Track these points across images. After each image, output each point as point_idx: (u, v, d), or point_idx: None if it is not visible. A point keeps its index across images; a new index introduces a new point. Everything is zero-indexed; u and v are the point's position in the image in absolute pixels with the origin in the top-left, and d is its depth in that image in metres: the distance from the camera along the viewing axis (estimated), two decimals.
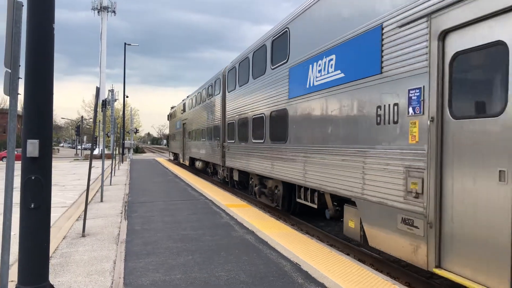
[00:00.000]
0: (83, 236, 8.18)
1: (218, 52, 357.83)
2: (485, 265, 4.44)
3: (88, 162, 8.98)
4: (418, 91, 5.36)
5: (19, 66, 4.01)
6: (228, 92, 16.11)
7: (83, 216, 8.68)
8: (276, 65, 10.58)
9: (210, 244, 7.41)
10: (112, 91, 34.29)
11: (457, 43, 4.85)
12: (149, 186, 17.04)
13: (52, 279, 5.41)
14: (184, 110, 30.33)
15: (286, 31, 9.99)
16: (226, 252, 6.88)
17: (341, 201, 7.77)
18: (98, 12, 57.32)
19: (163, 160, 42.07)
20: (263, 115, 11.64)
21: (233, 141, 15.09)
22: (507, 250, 4.17)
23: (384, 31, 6.09)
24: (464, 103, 4.90)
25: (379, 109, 6.19)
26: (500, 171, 4.25)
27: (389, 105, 5.95)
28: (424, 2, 5.27)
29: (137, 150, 74.14)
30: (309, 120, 8.67)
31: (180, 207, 11.57)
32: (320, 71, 8.14)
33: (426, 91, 5.20)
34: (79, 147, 66.06)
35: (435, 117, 5.07)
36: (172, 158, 43.23)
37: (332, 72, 7.67)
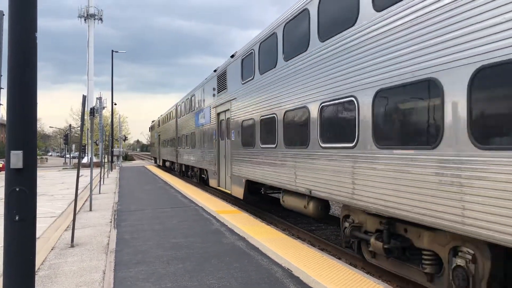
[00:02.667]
0: (72, 246, 8.05)
1: (207, 58, 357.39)
2: (223, 182, 15.27)
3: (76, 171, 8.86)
4: (215, 131, 16.29)
5: (1, 76, 3.93)
6: (178, 118, 27.18)
7: (71, 226, 8.56)
8: (191, 110, 21.94)
9: (200, 252, 7.35)
10: (100, 98, 34.11)
11: (221, 117, 15.69)
12: (138, 194, 16.96)
13: None
14: (159, 125, 40.77)
15: (194, 94, 21.18)
16: (217, 259, 6.84)
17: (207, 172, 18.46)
18: (85, 19, 56.90)
19: (153, 167, 41.80)
20: (189, 133, 22.57)
21: (181, 147, 26.07)
22: (225, 178, 15.06)
23: (211, 108, 16.95)
24: (222, 135, 15.60)
25: (211, 136, 16.99)
26: (225, 155, 15.21)
27: (212, 134, 16.81)
28: (215, 102, 16.19)
29: (126, 158, 73.58)
30: (198, 138, 19.87)
31: (170, 215, 11.48)
32: (202, 117, 19.07)
33: (215, 132, 16.15)
34: (67, 156, 65.28)
35: (216, 140, 16.05)
36: (154, 162, 51.23)
37: (203, 119, 18.66)
